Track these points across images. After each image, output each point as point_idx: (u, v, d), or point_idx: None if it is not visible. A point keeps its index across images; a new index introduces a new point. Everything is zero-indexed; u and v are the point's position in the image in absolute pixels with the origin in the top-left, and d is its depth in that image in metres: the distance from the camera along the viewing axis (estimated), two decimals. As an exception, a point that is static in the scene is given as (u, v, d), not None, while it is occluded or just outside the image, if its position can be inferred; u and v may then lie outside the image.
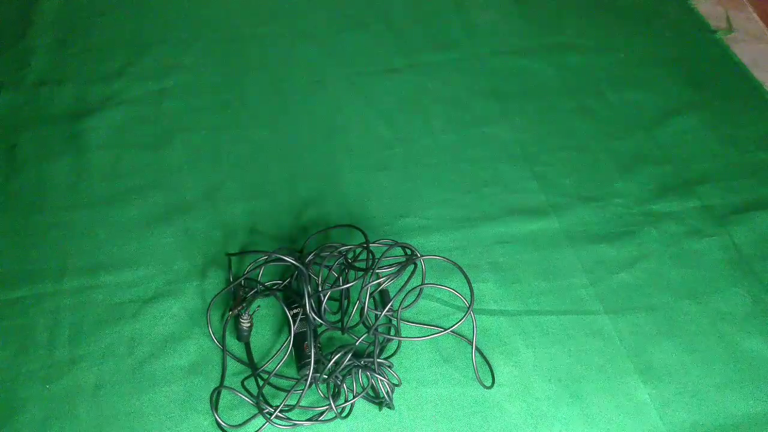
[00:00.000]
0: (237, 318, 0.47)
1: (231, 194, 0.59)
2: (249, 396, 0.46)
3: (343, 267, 0.49)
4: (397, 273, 0.47)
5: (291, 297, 0.50)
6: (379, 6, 0.77)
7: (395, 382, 0.46)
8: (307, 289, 0.46)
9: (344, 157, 0.62)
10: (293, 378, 0.47)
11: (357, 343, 0.47)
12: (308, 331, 0.47)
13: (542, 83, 0.69)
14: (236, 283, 0.49)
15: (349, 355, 0.45)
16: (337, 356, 0.45)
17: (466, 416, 0.46)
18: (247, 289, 0.49)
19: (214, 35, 0.73)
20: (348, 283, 0.48)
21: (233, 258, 0.53)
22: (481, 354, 0.49)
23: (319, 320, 0.47)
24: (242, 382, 0.47)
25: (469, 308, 0.48)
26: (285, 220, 0.57)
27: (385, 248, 0.48)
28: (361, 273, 0.47)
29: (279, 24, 0.75)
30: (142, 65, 0.69)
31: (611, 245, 0.56)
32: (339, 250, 0.49)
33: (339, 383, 0.45)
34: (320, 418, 0.45)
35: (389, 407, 0.46)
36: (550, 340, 0.50)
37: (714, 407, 0.47)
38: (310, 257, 0.49)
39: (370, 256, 0.48)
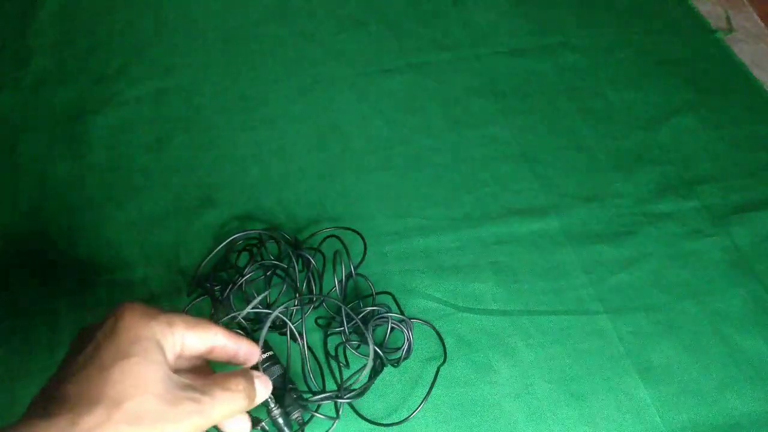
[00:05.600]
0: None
1: (231, 195, 0.59)
2: None
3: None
4: None
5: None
6: (378, 6, 0.77)
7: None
8: None
9: (344, 157, 0.62)
10: None
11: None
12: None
13: (542, 83, 0.69)
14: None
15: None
16: None
17: (465, 416, 0.46)
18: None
19: (213, 35, 0.73)
20: None
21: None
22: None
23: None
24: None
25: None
26: (284, 221, 0.57)
27: None
28: None
29: (279, 24, 0.75)
30: (142, 65, 0.69)
31: (611, 245, 0.56)
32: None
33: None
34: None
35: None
36: (550, 340, 0.50)
37: (714, 407, 0.47)
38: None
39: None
